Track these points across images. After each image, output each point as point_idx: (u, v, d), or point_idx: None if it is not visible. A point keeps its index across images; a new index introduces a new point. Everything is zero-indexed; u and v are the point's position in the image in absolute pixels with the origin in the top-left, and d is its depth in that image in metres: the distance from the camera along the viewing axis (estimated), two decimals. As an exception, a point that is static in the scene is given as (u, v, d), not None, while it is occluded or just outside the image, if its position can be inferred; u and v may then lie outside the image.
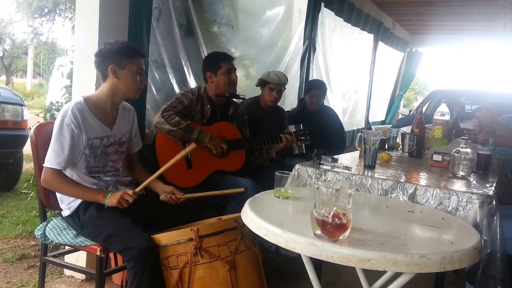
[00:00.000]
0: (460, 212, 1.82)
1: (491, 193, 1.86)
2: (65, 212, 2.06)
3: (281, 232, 1.31)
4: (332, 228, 1.23)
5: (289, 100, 4.77)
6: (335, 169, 2.17)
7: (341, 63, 6.10)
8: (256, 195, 1.79)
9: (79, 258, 2.60)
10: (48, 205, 2.16)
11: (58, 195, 2.07)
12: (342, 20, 5.76)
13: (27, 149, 3.91)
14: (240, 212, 1.60)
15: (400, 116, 8.15)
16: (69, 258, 2.57)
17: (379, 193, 2.01)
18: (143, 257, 1.74)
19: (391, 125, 7.15)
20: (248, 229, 1.49)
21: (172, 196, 2.09)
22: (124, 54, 2.01)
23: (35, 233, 2.13)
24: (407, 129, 3.66)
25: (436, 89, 7.57)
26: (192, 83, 3.38)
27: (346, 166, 2.22)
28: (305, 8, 4.85)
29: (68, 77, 3.06)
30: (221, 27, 3.87)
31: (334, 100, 5.99)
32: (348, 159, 2.58)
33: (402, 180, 2.01)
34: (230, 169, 2.75)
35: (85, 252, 2.50)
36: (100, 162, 2.06)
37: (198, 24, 3.45)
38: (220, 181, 2.65)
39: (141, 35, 2.78)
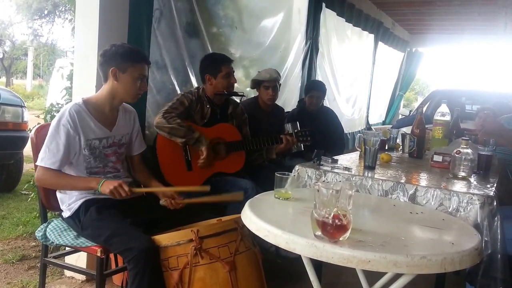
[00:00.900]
0: (461, 213, 1.82)
1: (491, 193, 1.86)
2: (66, 213, 2.06)
3: (281, 233, 1.30)
4: (332, 229, 1.22)
5: (291, 101, 4.76)
6: (335, 170, 2.17)
7: (345, 65, 6.10)
8: (256, 196, 1.79)
9: (79, 259, 2.60)
10: (48, 206, 2.16)
11: (58, 196, 2.08)
12: (344, 20, 5.76)
13: (27, 150, 3.92)
14: (240, 213, 1.60)
15: (400, 117, 8.15)
16: (70, 259, 2.57)
17: (380, 194, 2.01)
18: (144, 258, 1.74)
19: (391, 126, 7.14)
20: (248, 230, 1.49)
21: (172, 201, 2.09)
22: (127, 57, 2.01)
23: (35, 234, 2.13)
24: (407, 129, 3.66)
25: (436, 89, 7.57)
26: (195, 84, 3.38)
27: (346, 167, 2.22)
28: (304, 8, 4.85)
29: (68, 79, 3.06)
30: (223, 28, 3.87)
31: (342, 101, 6.00)
32: (348, 160, 2.57)
33: (402, 181, 2.01)
34: (230, 170, 2.75)
35: (85, 253, 2.50)
36: (101, 163, 2.07)
37: (202, 25, 3.45)
38: (220, 182, 2.65)
39: (142, 37, 2.78)
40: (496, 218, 1.80)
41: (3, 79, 22.75)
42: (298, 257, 1.50)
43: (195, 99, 2.73)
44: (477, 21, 7.41)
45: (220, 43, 3.81)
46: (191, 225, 2.01)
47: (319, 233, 1.25)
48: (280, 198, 1.72)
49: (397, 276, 1.34)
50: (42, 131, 2.14)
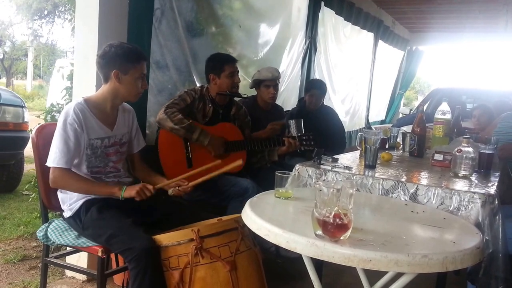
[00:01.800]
0: (462, 212, 1.81)
1: (493, 192, 1.86)
2: (67, 214, 2.06)
3: (282, 232, 1.30)
4: (333, 228, 1.22)
5: (290, 100, 4.76)
6: (336, 169, 2.16)
7: (343, 63, 6.09)
8: (256, 195, 1.79)
9: (80, 259, 2.60)
10: (49, 207, 2.16)
11: (59, 196, 2.07)
12: (343, 19, 5.75)
13: (28, 150, 3.92)
14: (240, 212, 1.60)
15: (400, 116, 8.14)
16: (71, 259, 2.57)
17: (380, 193, 2.01)
18: (144, 257, 1.74)
19: (391, 125, 7.14)
20: (249, 229, 1.48)
21: (179, 188, 2.09)
22: (128, 59, 2.01)
23: (37, 234, 2.13)
24: (407, 128, 3.65)
25: (436, 87, 7.56)
26: (197, 83, 3.37)
27: (346, 166, 2.22)
28: (304, 7, 4.85)
29: (69, 79, 3.06)
30: (224, 27, 3.86)
31: (337, 101, 5.99)
32: (349, 159, 2.57)
33: (403, 180, 2.01)
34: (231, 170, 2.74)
35: (86, 253, 2.50)
36: (101, 163, 2.07)
37: (205, 24, 3.45)
38: (220, 181, 2.64)
39: (142, 36, 2.78)
40: (497, 217, 1.79)
41: (3, 79, 22.76)
42: (299, 257, 1.49)
43: (198, 97, 2.74)
44: (478, 19, 7.39)
45: (224, 42, 3.81)
46: (191, 225, 2.01)
47: (320, 232, 1.25)
48: (281, 198, 1.72)
49: (398, 276, 1.34)
50: (43, 131, 2.14)
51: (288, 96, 4.75)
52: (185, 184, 2.11)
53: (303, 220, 1.40)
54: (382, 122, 8.69)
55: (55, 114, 3.18)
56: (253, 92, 3.47)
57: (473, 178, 2.18)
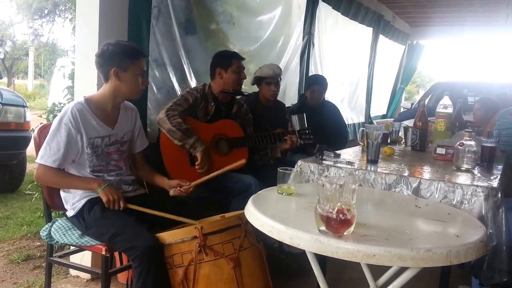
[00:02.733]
0: (465, 205, 1.81)
1: (496, 185, 1.85)
2: (70, 213, 2.07)
3: (285, 228, 1.30)
4: (336, 224, 1.22)
5: (289, 96, 4.76)
6: (338, 165, 2.16)
7: (338, 57, 6.06)
8: (259, 192, 1.79)
9: (84, 258, 2.61)
10: (53, 206, 2.17)
11: (62, 195, 2.08)
12: (340, 14, 5.73)
13: (30, 150, 3.93)
14: (243, 209, 1.60)
15: (402, 110, 8.12)
16: (75, 258, 2.58)
17: (383, 187, 2.00)
18: (148, 255, 1.74)
19: (392, 119, 7.12)
20: (252, 226, 1.49)
21: (181, 189, 2.09)
22: (127, 56, 2.01)
23: (40, 233, 2.14)
24: (409, 122, 3.65)
25: (438, 81, 7.54)
26: (193, 81, 3.37)
27: (348, 161, 2.22)
28: (304, 3, 4.83)
29: (70, 78, 3.06)
30: (221, 24, 3.86)
31: (331, 95, 5.97)
32: (351, 154, 2.57)
33: (405, 174, 2.00)
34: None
35: (90, 252, 2.51)
36: (103, 161, 2.07)
37: (198, 22, 3.44)
38: (223, 178, 2.64)
39: (141, 35, 2.78)
40: (500, 210, 1.79)
41: (5, 79, 22.79)
42: (302, 253, 1.49)
43: (200, 96, 2.73)
44: (479, 12, 7.36)
45: (218, 39, 3.80)
46: (194, 222, 2.01)
47: (323, 228, 1.25)
48: (283, 194, 1.72)
49: (401, 270, 1.34)
50: (45, 130, 2.14)
51: (287, 92, 4.74)
52: (186, 184, 2.11)
53: (306, 216, 1.40)
54: (384, 116, 8.67)
55: (56, 113, 3.18)
56: (255, 88, 3.47)
57: (475, 171, 2.17)
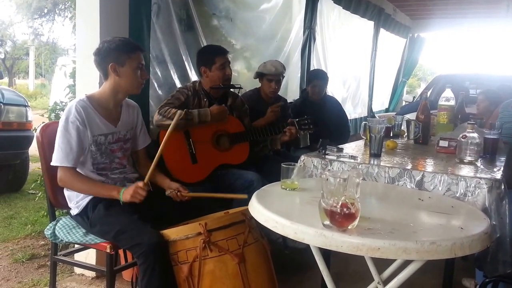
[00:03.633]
0: (469, 198, 1.81)
1: (499, 177, 1.85)
2: (74, 211, 2.07)
3: (289, 223, 1.30)
4: (340, 218, 1.22)
5: (291, 91, 4.75)
6: (341, 159, 2.16)
7: (340, 52, 6.05)
8: (263, 187, 1.79)
9: (88, 256, 2.62)
10: (56, 205, 2.17)
11: (66, 194, 2.08)
12: (341, 7, 5.72)
13: (32, 149, 3.93)
14: (247, 205, 1.60)
15: (404, 103, 8.10)
16: (79, 256, 2.59)
17: (386, 181, 2.00)
18: (153, 252, 1.75)
19: (395, 113, 7.11)
20: (256, 221, 1.49)
21: (178, 193, 2.11)
22: (122, 50, 2.00)
23: (45, 232, 2.15)
24: (411, 116, 3.64)
25: (439, 74, 7.51)
26: (194, 77, 3.36)
27: (352, 156, 2.21)
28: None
29: (71, 77, 3.06)
30: (220, 20, 3.85)
31: (333, 89, 5.97)
32: (354, 148, 2.57)
33: (409, 168, 2.00)
34: (235, 162, 2.74)
35: (94, 250, 2.52)
36: (107, 159, 2.07)
37: (198, 18, 3.43)
38: (225, 175, 2.65)
39: (142, 32, 2.77)
40: (504, 202, 1.79)
41: (6, 79, 22.79)
42: (306, 247, 1.50)
43: (191, 93, 2.72)
44: (479, 4, 7.32)
45: (217, 35, 3.79)
46: (198, 219, 2.01)
47: (327, 222, 1.25)
48: (287, 189, 1.72)
49: (406, 263, 1.34)
50: (47, 129, 2.15)
51: (289, 87, 4.73)
52: (185, 191, 2.12)
53: (310, 210, 1.40)
54: (386, 111, 8.65)
55: (59, 112, 3.18)
56: (255, 85, 3.46)
57: (478, 163, 2.17)
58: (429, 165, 2.17)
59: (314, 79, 3.93)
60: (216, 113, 2.65)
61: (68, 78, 3.15)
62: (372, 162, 2.12)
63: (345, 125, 4.28)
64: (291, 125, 2.84)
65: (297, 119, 2.86)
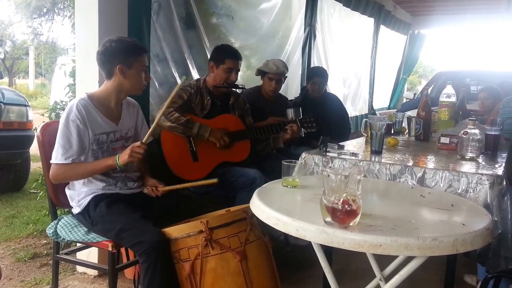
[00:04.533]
0: (470, 194, 1.81)
1: (500, 173, 1.85)
2: (76, 210, 2.07)
3: (291, 220, 1.30)
4: (342, 215, 1.22)
5: (292, 89, 4.75)
6: (342, 156, 2.16)
7: (341, 49, 6.05)
8: (264, 185, 1.79)
9: (90, 255, 2.62)
10: (58, 203, 2.17)
11: (67, 193, 2.08)
12: (342, 5, 5.71)
13: (33, 149, 3.93)
14: (248, 203, 1.60)
15: (404, 100, 8.09)
16: (81, 255, 2.59)
17: (388, 178, 2.00)
18: (155, 250, 1.75)
19: (396, 110, 7.10)
20: (257, 219, 1.49)
21: (153, 189, 2.12)
22: (131, 53, 2.00)
23: (46, 231, 2.15)
24: (412, 113, 3.64)
25: (440, 71, 7.51)
26: (196, 75, 3.36)
27: (353, 153, 2.21)
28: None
29: (71, 76, 3.06)
30: (221, 18, 3.85)
31: (334, 87, 5.96)
32: (355, 145, 2.57)
33: (410, 164, 2.00)
34: (236, 159, 2.74)
35: (96, 248, 2.52)
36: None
37: (199, 16, 3.43)
38: (227, 172, 2.65)
39: (142, 30, 2.77)
40: (505, 198, 1.79)
41: (6, 79, 22.78)
42: (308, 245, 1.50)
43: (194, 91, 2.72)
44: (480, 0, 7.31)
45: (218, 33, 3.79)
46: (200, 217, 2.01)
47: (329, 219, 1.25)
48: (288, 186, 1.72)
49: (408, 260, 1.34)
50: (48, 128, 2.15)
51: (290, 84, 4.73)
52: (160, 186, 2.12)
53: (311, 208, 1.40)
54: (387, 107, 8.65)
55: (59, 111, 3.19)
56: (255, 84, 3.46)
57: (480, 159, 2.17)
58: (431, 161, 2.17)
59: (314, 76, 3.92)
60: (216, 135, 2.63)
61: (68, 77, 3.15)
62: (373, 159, 2.12)
63: (346, 122, 4.28)
64: (292, 122, 2.83)
65: (299, 118, 2.85)
